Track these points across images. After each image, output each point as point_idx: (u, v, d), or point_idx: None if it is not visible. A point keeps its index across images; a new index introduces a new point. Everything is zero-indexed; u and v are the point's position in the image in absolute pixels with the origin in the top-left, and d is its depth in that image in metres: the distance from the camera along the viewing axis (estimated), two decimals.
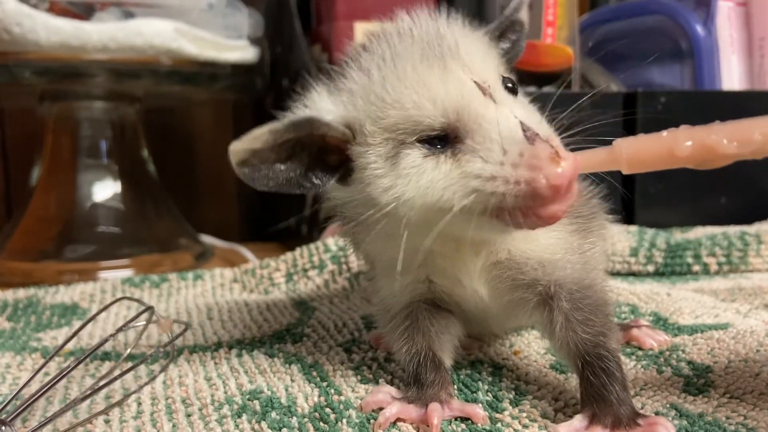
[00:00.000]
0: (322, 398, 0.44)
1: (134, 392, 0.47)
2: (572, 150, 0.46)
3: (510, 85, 0.40)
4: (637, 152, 0.35)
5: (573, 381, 0.45)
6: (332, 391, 0.45)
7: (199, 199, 1.25)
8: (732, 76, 1.00)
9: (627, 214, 0.90)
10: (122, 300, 0.70)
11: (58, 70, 0.82)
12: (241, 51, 0.93)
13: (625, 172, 0.36)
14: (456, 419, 0.41)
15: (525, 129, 0.35)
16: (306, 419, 0.41)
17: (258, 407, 0.43)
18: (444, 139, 0.37)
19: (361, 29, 0.98)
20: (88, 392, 0.44)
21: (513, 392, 0.44)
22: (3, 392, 0.49)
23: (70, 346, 0.57)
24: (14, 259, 0.90)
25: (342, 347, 0.55)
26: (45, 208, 0.93)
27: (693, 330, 0.54)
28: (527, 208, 0.35)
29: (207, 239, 1.05)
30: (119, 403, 0.45)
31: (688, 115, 0.97)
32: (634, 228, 0.85)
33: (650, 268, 0.79)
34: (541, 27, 0.90)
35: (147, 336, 0.59)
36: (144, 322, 0.51)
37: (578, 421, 0.38)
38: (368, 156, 0.39)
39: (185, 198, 1.18)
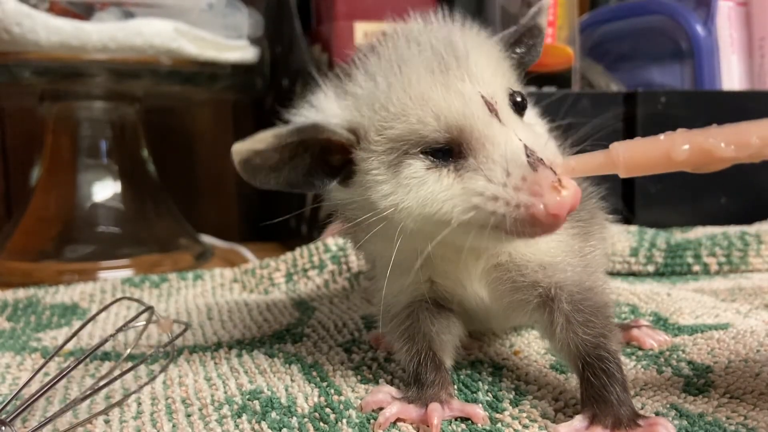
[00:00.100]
0: (322, 398, 0.44)
1: (134, 392, 0.47)
2: (572, 151, 0.46)
3: (519, 99, 0.40)
4: (634, 156, 0.35)
5: (573, 381, 0.45)
6: (332, 391, 0.45)
7: (199, 199, 1.25)
8: (732, 76, 1.00)
9: (627, 215, 0.90)
10: (122, 300, 0.70)
11: (58, 70, 0.82)
12: (241, 51, 0.93)
13: (622, 176, 0.36)
14: (456, 419, 0.41)
15: (529, 153, 0.35)
16: (306, 419, 0.41)
17: (258, 407, 0.43)
18: (448, 152, 0.37)
19: (361, 29, 0.98)
20: (88, 392, 0.44)
21: (513, 392, 0.44)
22: (3, 392, 0.49)
23: (70, 346, 0.57)
24: (14, 259, 0.90)
25: (342, 347, 0.55)
26: (45, 208, 0.93)
27: (693, 330, 0.54)
28: (522, 230, 0.36)
29: (207, 239, 1.05)
30: (119, 403, 0.45)
31: (688, 115, 0.98)
32: (634, 228, 0.85)
33: (650, 268, 0.79)
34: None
35: (147, 336, 0.59)
36: (144, 322, 0.51)
37: (578, 421, 0.38)
38: (371, 162, 0.39)
39: (185, 198, 1.18)
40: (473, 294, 0.44)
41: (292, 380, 0.48)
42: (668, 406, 0.41)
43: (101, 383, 0.45)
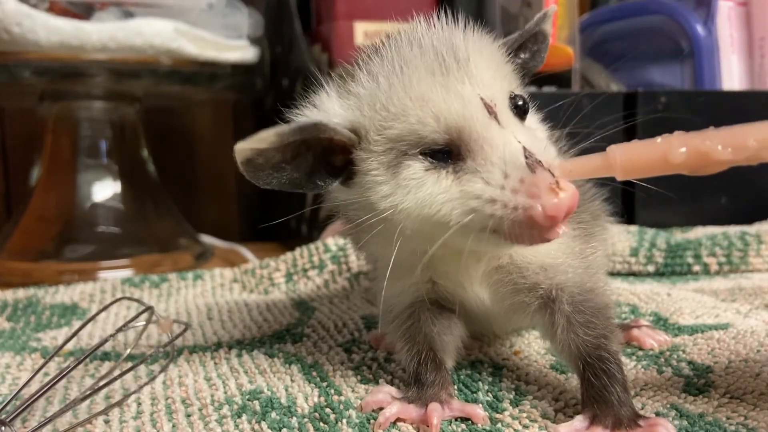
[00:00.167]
0: (322, 398, 0.44)
1: (134, 392, 0.47)
2: (573, 151, 0.46)
3: (521, 103, 0.40)
4: (631, 159, 0.35)
5: (573, 381, 0.45)
6: (332, 391, 0.45)
7: (199, 199, 1.25)
8: (732, 76, 1.00)
9: (627, 215, 0.90)
10: (122, 300, 0.70)
11: (58, 70, 0.82)
12: (241, 51, 0.93)
13: (619, 178, 0.36)
14: (456, 419, 0.41)
15: (527, 155, 0.35)
16: (306, 419, 0.41)
17: (258, 407, 0.43)
18: (447, 154, 0.37)
19: (361, 29, 0.98)
20: (88, 392, 0.44)
21: (513, 392, 0.44)
22: (3, 392, 0.49)
23: (69, 346, 0.57)
24: (14, 259, 0.90)
25: (342, 347, 0.54)
26: (45, 208, 0.93)
27: (693, 330, 0.54)
28: (521, 234, 0.36)
29: (207, 239, 1.05)
30: (119, 403, 0.45)
31: (688, 115, 0.98)
32: (634, 228, 0.85)
33: (650, 268, 0.79)
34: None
35: (147, 336, 0.59)
36: (144, 322, 0.51)
37: (579, 421, 0.38)
38: (371, 162, 0.39)
39: (185, 198, 1.18)
40: (474, 296, 0.44)
41: (292, 380, 0.48)
42: (668, 406, 0.41)
43: (101, 383, 0.45)
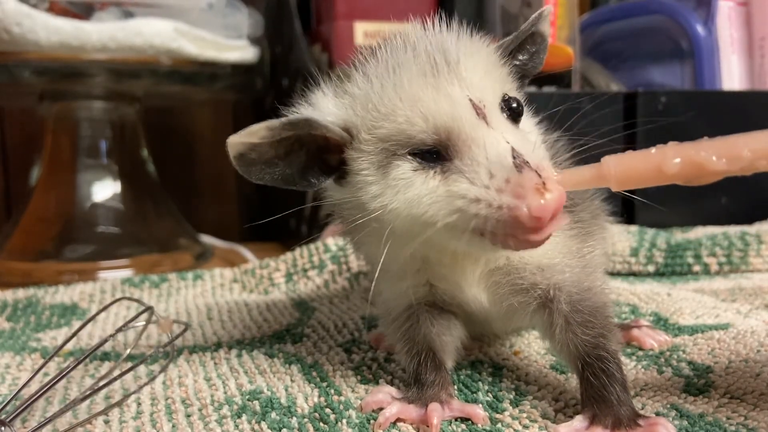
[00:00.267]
0: (322, 398, 0.44)
1: (134, 392, 0.47)
2: (573, 155, 0.46)
3: (514, 105, 0.40)
4: (626, 169, 0.35)
5: (573, 381, 0.45)
6: (332, 391, 0.45)
7: (199, 199, 1.25)
8: (732, 76, 1.00)
9: (627, 215, 0.90)
10: (122, 300, 0.70)
11: (57, 70, 0.82)
12: (241, 51, 0.93)
13: (614, 189, 0.36)
14: (456, 419, 0.41)
15: (515, 156, 0.35)
16: (306, 419, 0.41)
17: (258, 407, 0.43)
18: (436, 154, 0.37)
19: (361, 29, 0.98)
20: (88, 392, 0.44)
21: (513, 392, 0.44)
22: (3, 392, 0.49)
23: (69, 346, 0.57)
24: (14, 259, 0.90)
25: (342, 347, 0.54)
26: (45, 208, 0.93)
27: (693, 330, 0.54)
28: (506, 234, 0.35)
29: (207, 239, 1.05)
30: (119, 404, 0.45)
31: (689, 115, 0.98)
32: (634, 228, 0.85)
33: (651, 268, 0.79)
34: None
35: (147, 336, 0.59)
36: (144, 323, 0.51)
37: (579, 421, 0.38)
38: (361, 162, 0.39)
39: (185, 198, 1.18)
40: (472, 298, 0.44)
41: (292, 380, 0.48)
42: (668, 406, 0.41)
43: (101, 383, 0.45)
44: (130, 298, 0.67)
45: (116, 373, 0.48)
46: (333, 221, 0.47)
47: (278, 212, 0.56)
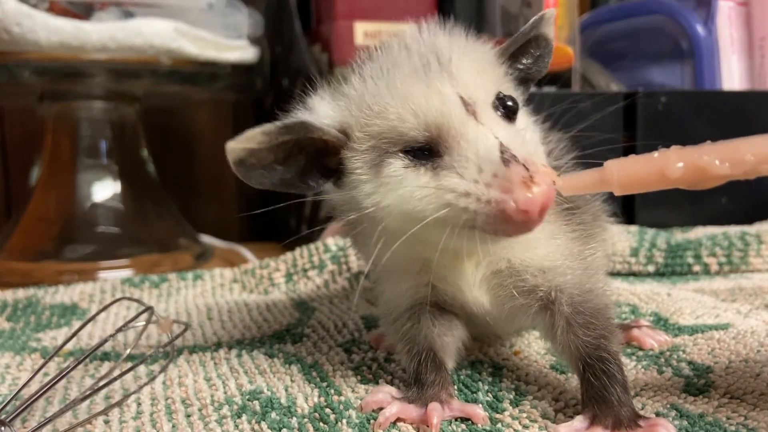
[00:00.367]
0: (322, 398, 0.44)
1: (134, 392, 0.47)
2: (574, 155, 0.46)
3: (509, 103, 0.40)
4: (629, 174, 0.35)
5: (573, 381, 0.45)
6: (332, 391, 0.45)
7: (199, 199, 1.25)
8: (732, 76, 1.00)
9: (627, 215, 0.90)
10: (122, 300, 0.70)
11: (57, 70, 0.82)
12: (241, 51, 0.93)
13: (617, 194, 0.36)
14: (456, 419, 0.41)
15: (503, 150, 0.36)
16: (306, 419, 0.41)
17: (258, 407, 0.43)
18: (427, 152, 0.38)
19: (361, 29, 0.98)
20: (88, 392, 0.44)
21: (513, 392, 0.44)
22: (3, 392, 0.49)
23: (69, 346, 0.57)
24: (14, 259, 0.90)
25: (342, 347, 0.54)
26: (45, 208, 0.93)
27: (693, 330, 0.54)
28: (495, 229, 0.36)
29: (207, 239, 1.05)
30: (119, 404, 0.45)
31: (689, 115, 0.97)
32: (634, 228, 0.85)
33: (651, 269, 0.79)
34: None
35: (147, 336, 0.59)
36: (144, 323, 0.51)
37: (579, 422, 0.38)
38: (356, 161, 0.40)
39: (185, 198, 1.18)
40: (474, 300, 0.44)
41: (292, 380, 0.48)
42: (669, 406, 0.41)
43: (101, 383, 0.45)
44: (130, 298, 0.67)
45: (116, 373, 0.48)
46: (333, 221, 0.47)
47: (279, 212, 0.56)
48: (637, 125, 0.91)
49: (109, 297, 0.76)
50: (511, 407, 0.42)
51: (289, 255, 0.82)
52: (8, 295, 0.76)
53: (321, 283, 0.78)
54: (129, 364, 0.49)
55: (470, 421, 0.40)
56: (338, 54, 0.97)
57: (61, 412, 0.42)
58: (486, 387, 0.45)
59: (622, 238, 0.81)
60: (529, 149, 0.37)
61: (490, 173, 0.35)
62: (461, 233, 0.37)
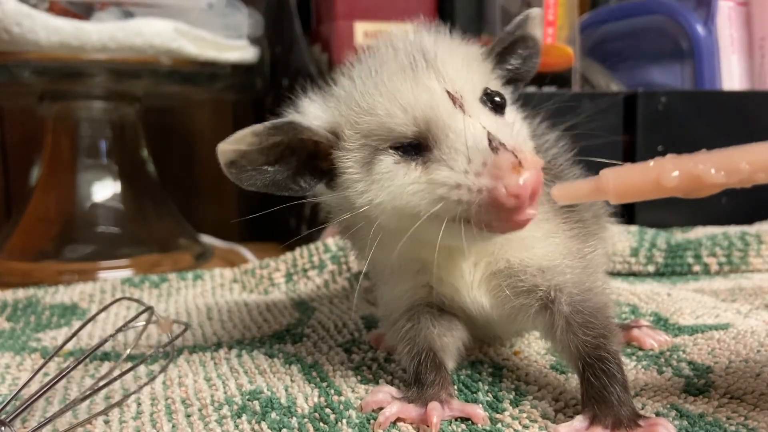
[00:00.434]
0: (322, 398, 0.44)
1: (134, 392, 0.47)
2: (573, 154, 0.46)
3: (497, 99, 0.40)
4: (624, 183, 0.35)
5: (573, 381, 0.45)
6: (332, 391, 0.45)
7: (199, 199, 1.25)
8: (732, 76, 1.00)
9: (627, 215, 0.90)
10: (122, 300, 0.70)
11: (57, 70, 0.82)
12: (241, 51, 0.93)
13: (612, 202, 0.36)
14: (456, 419, 0.41)
15: (491, 139, 0.36)
16: (306, 420, 0.41)
17: (258, 408, 0.43)
18: (417, 147, 0.38)
19: (361, 29, 0.98)
20: (88, 392, 0.44)
21: (513, 393, 0.44)
22: (3, 392, 0.49)
23: (69, 346, 0.57)
24: (14, 259, 0.90)
25: (342, 347, 0.54)
26: (45, 208, 0.93)
27: (693, 330, 0.54)
28: (489, 219, 0.36)
29: (207, 239, 1.05)
30: (119, 404, 0.45)
31: (689, 115, 0.97)
32: (634, 228, 0.85)
33: (651, 268, 0.79)
34: (541, 27, 0.90)
35: (147, 336, 0.59)
36: (144, 323, 0.51)
37: (579, 421, 0.38)
38: (347, 161, 0.40)
39: (185, 198, 1.18)
40: (472, 301, 0.44)
41: (292, 380, 0.48)
42: (668, 406, 0.41)
43: (101, 383, 0.45)
44: (130, 298, 0.67)
45: (116, 373, 0.48)
46: (330, 223, 0.47)
47: (278, 212, 0.56)
48: (637, 125, 0.91)
49: (109, 297, 0.76)
50: (511, 407, 0.42)
51: (289, 255, 0.82)
52: (8, 295, 0.76)
53: (321, 283, 0.78)
54: (129, 364, 0.49)
55: (470, 421, 0.40)
56: (338, 54, 0.97)
57: (61, 412, 0.42)
58: (486, 387, 0.45)
59: (622, 238, 0.81)
60: (518, 139, 0.37)
61: (480, 162, 0.35)
62: (456, 230, 0.37)
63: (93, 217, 0.93)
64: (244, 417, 0.42)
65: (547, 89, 0.91)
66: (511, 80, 0.45)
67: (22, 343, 0.60)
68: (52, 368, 0.53)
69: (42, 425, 0.40)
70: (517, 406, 0.42)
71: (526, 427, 0.39)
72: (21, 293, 0.77)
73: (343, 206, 0.41)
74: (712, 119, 0.92)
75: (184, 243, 0.98)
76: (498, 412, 0.41)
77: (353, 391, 0.45)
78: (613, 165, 0.35)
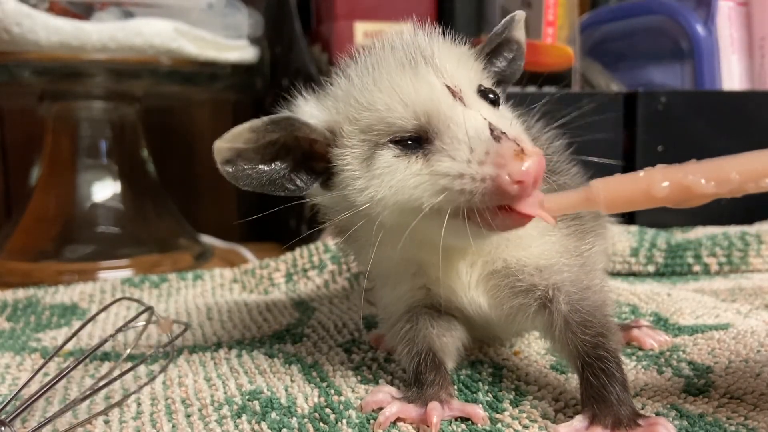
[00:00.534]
0: (322, 398, 0.44)
1: (134, 392, 0.47)
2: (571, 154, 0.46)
3: (491, 96, 0.41)
4: (614, 193, 0.35)
5: (573, 381, 0.45)
6: (332, 391, 0.45)
7: (199, 199, 1.25)
8: (732, 76, 1.00)
9: (627, 215, 0.90)
10: (122, 300, 0.70)
11: (57, 70, 0.82)
12: (241, 51, 0.93)
13: (603, 213, 0.36)
14: (456, 419, 0.41)
15: (492, 129, 0.36)
16: (306, 420, 0.41)
17: (258, 408, 0.43)
18: (417, 141, 0.38)
19: (361, 29, 0.98)
20: (88, 392, 0.44)
21: (513, 393, 0.44)
22: (3, 392, 0.49)
23: (69, 346, 0.57)
24: (14, 259, 0.90)
25: (342, 347, 0.54)
26: (44, 208, 0.93)
27: (693, 330, 0.54)
28: (495, 208, 0.36)
29: (207, 239, 1.05)
30: (119, 404, 0.45)
31: (689, 115, 0.97)
32: (634, 228, 0.85)
33: (651, 269, 0.79)
34: (541, 27, 0.90)
35: (147, 336, 0.59)
36: (144, 323, 0.51)
37: (578, 421, 0.38)
38: (345, 158, 0.40)
39: (185, 198, 1.18)
40: (470, 302, 0.44)
41: (292, 380, 0.48)
42: (668, 406, 0.41)
43: (101, 383, 0.45)
44: (130, 298, 0.67)
45: (116, 373, 0.48)
46: (326, 224, 0.47)
47: (278, 212, 0.56)
48: (637, 125, 0.91)
49: (109, 297, 0.76)
50: (511, 407, 0.42)
51: (289, 255, 0.82)
52: (8, 295, 0.76)
53: (321, 283, 0.78)
54: (129, 364, 0.49)
55: (470, 421, 0.40)
56: (338, 54, 0.97)
57: (61, 412, 0.42)
58: (486, 387, 0.45)
59: (622, 238, 0.81)
60: (517, 130, 0.38)
61: (482, 151, 0.36)
62: (457, 225, 0.37)
63: (93, 217, 0.93)
64: (244, 417, 0.42)
65: (547, 89, 0.92)
66: (498, 82, 0.46)
67: (22, 343, 0.60)
68: (52, 368, 0.53)
69: (42, 425, 0.40)
70: (517, 406, 0.42)
71: (526, 427, 0.39)
72: (21, 293, 0.77)
73: (341, 206, 0.41)
74: (712, 119, 0.92)
75: (184, 243, 0.98)
76: (498, 412, 0.41)
77: (353, 391, 0.45)
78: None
